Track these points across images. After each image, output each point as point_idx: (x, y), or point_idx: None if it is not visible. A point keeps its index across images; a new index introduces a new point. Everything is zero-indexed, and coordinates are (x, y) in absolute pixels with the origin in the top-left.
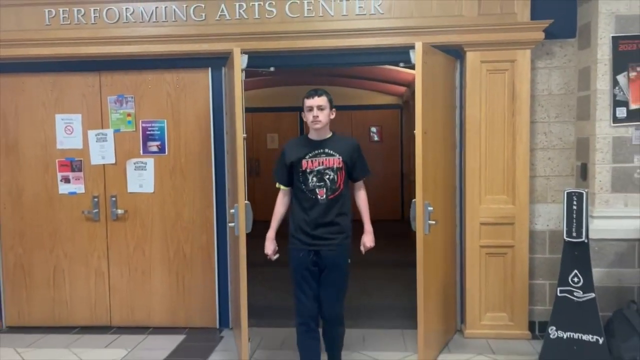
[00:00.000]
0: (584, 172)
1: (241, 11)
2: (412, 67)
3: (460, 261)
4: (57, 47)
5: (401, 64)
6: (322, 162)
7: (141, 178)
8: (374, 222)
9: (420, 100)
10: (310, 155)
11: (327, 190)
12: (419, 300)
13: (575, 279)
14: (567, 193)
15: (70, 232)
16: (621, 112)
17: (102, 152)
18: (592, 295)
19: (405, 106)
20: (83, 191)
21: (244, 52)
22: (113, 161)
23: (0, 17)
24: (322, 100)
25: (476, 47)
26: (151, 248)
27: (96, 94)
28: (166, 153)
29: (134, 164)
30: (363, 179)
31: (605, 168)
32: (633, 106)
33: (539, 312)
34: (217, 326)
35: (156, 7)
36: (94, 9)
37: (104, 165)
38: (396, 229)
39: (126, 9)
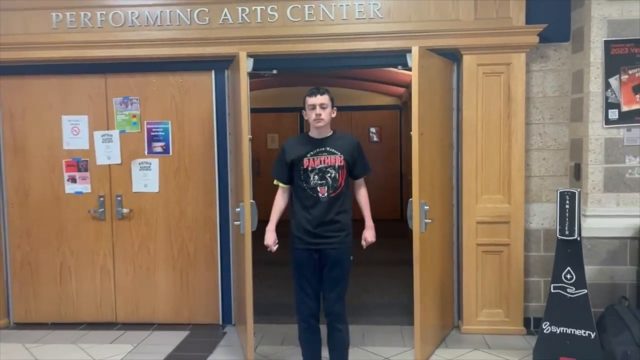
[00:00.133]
0: (577, 172)
1: (244, 15)
2: (410, 70)
3: (457, 259)
4: (64, 50)
5: (399, 67)
6: (324, 160)
7: (146, 178)
8: (373, 222)
9: (416, 102)
10: (311, 153)
11: (328, 188)
12: (415, 296)
13: (568, 276)
14: (560, 192)
15: (76, 231)
16: (613, 114)
17: (107, 153)
18: (585, 291)
19: (405, 107)
20: (89, 191)
21: (248, 55)
22: (118, 161)
23: (8, 20)
24: (324, 99)
25: (473, 51)
26: (156, 246)
27: (102, 95)
28: (170, 153)
29: (139, 164)
30: (364, 176)
31: (597, 168)
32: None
33: (533, 308)
34: (220, 322)
35: (161, 12)
36: (100, 13)
37: (109, 165)
38: (395, 228)
39: (132, 13)
